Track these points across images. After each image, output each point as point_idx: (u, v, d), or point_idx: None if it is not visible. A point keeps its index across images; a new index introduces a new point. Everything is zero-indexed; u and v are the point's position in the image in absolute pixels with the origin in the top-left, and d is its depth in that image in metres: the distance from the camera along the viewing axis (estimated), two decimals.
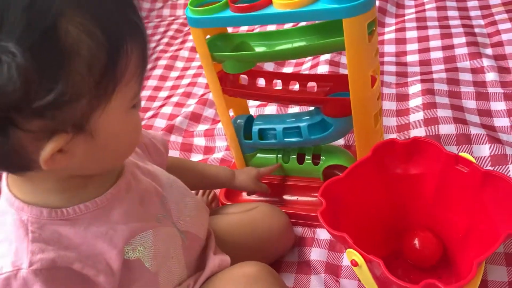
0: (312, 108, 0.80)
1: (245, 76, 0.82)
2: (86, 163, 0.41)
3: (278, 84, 0.80)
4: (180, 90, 1.23)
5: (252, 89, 0.80)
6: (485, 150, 0.78)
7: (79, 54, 0.34)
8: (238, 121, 0.85)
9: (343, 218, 0.61)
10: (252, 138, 0.82)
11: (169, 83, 1.30)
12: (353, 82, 0.65)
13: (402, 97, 0.96)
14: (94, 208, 0.45)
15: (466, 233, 0.61)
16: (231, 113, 0.84)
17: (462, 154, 0.59)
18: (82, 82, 0.35)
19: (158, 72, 1.34)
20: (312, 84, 0.78)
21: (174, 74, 1.34)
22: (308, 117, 0.78)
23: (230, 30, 0.81)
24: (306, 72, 1.12)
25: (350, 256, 0.53)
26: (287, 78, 0.80)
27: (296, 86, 0.79)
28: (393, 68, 1.06)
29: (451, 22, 1.14)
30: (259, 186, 0.80)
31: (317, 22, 0.69)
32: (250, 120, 0.85)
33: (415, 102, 0.92)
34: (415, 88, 0.96)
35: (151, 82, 1.31)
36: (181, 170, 0.70)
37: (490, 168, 0.76)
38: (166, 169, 0.62)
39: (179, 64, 1.38)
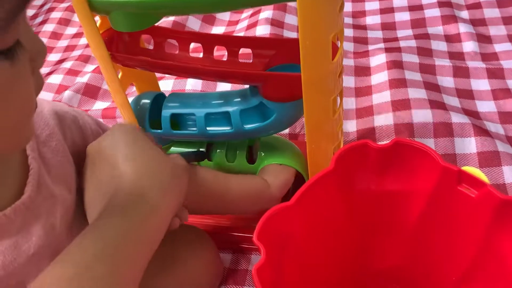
0: (246, 86, 0.56)
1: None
2: None
3: (198, 50, 0.55)
4: (77, 53, 0.94)
5: (158, 57, 0.54)
6: (470, 145, 0.60)
7: None
8: (143, 101, 0.60)
9: (290, 263, 0.40)
10: (162, 127, 0.58)
11: (63, 43, 0.99)
12: (307, 50, 0.43)
13: (362, 71, 0.75)
14: None
15: (463, 278, 0.42)
16: (133, 90, 0.59)
17: (468, 168, 0.39)
18: None
19: (49, 27, 1.03)
20: (246, 51, 0.55)
21: (71, 30, 1.03)
22: (241, 100, 0.55)
23: None
24: (242, 34, 0.88)
25: None
26: (211, 42, 0.55)
27: (224, 54, 0.55)
28: (349, 32, 0.84)
29: None
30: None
31: None
32: (159, 100, 0.60)
33: (379, 77, 0.72)
34: (378, 59, 0.75)
35: None
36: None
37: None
38: None
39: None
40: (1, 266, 0.30)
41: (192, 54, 0.56)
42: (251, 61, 0.54)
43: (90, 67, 0.88)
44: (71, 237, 0.37)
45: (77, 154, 0.40)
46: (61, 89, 0.83)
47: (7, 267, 0.31)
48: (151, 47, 0.57)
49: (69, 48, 0.97)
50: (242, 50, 0.55)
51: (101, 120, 0.76)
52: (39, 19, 1.08)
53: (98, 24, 0.52)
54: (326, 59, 0.44)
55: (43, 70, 0.93)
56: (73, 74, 0.87)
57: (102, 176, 0.35)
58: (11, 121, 0.27)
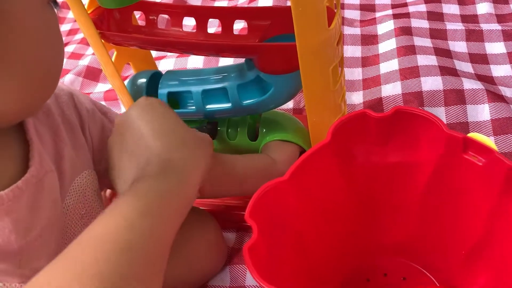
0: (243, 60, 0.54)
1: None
2: None
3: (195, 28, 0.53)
4: (79, 36, 0.93)
5: (150, 34, 0.52)
6: (483, 112, 0.57)
7: None
8: (139, 80, 0.58)
9: (287, 240, 0.38)
10: None
11: (66, 27, 0.98)
12: (300, 18, 0.40)
13: (369, 39, 0.72)
14: None
15: (473, 252, 0.40)
16: (129, 73, 0.58)
17: (474, 135, 0.37)
18: None
19: None
20: (242, 26, 0.52)
21: None
22: (237, 74, 0.53)
23: None
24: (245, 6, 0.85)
25: None
26: (204, 14, 0.53)
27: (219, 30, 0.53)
28: (356, 0, 0.80)
29: None
30: None
31: None
32: (156, 78, 0.58)
33: (387, 45, 0.69)
34: (386, 26, 0.72)
35: None
36: None
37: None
38: None
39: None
40: (14, 240, 0.30)
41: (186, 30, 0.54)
42: (246, 33, 0.52)
43: (91, 50, 0.87)
44: (69, 216, 0.37)
45: (72, 132, 0.40)
46: (64, 73, 0.82)
47: (19, 241, 0.31)
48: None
49: (72, 32, 0.96)
50: (238, 25, 0.53)
51: (103, 102, 0.75)
52: None
53: (87, 3, 0.51)
54: (321, 26, 0.41)
55: None
56: (76, 58, 0.86)
57: (133, 146, 0.37)
58: (52, 64, 0.30)
